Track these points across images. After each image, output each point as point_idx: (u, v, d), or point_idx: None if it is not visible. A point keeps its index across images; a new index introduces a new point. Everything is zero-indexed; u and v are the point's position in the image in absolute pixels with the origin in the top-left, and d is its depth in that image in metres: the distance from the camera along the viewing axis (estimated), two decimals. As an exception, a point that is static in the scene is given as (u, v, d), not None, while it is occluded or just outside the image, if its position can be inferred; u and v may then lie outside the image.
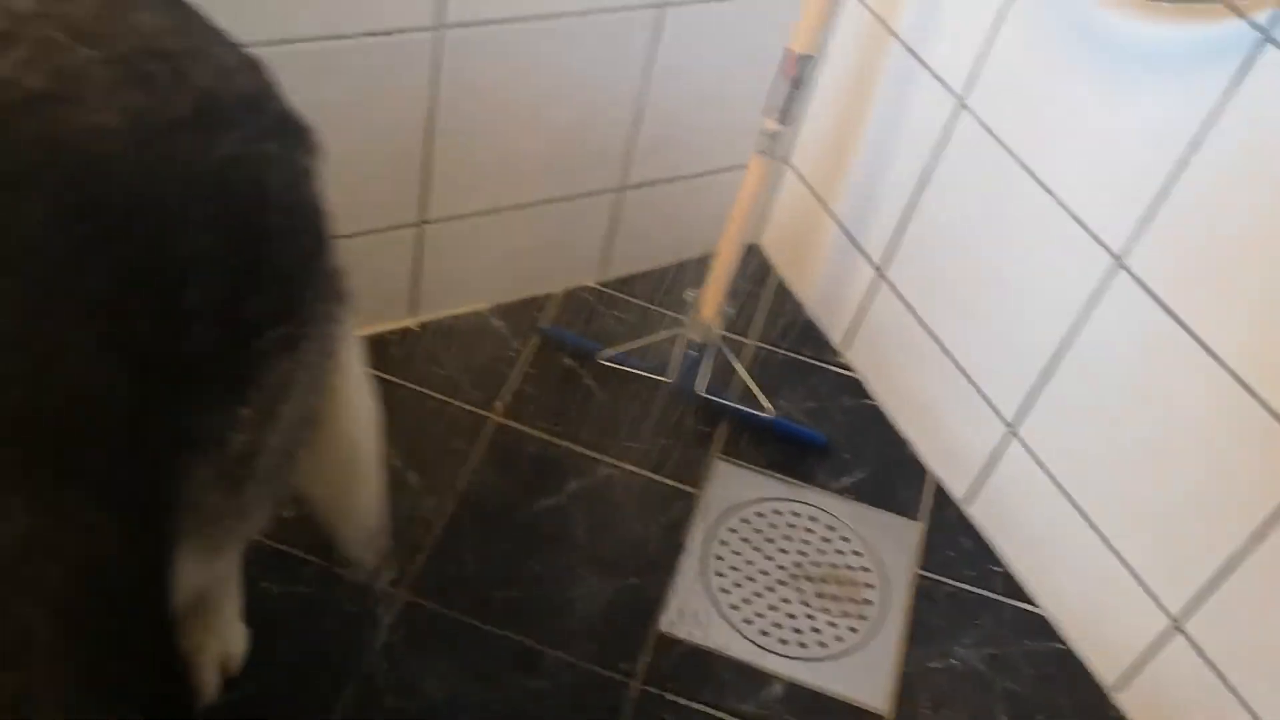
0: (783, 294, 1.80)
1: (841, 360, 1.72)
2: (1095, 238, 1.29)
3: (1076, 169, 1.31)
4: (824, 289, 1.75)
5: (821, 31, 1.30)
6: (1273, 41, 1.08)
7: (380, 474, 1.11)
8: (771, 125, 1.36)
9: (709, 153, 1.66)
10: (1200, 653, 1.29)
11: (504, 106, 1.44)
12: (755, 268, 1.82)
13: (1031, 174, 1.35)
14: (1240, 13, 1.09)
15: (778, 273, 1.82)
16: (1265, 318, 1.15)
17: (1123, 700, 1.40)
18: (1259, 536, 1.19)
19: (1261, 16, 1.09)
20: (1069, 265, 1.33)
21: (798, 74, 1.32)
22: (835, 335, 1.73)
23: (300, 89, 0.88)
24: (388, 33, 1.28)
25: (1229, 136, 1.14)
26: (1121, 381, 1.32)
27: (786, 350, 1.72)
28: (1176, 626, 1.31)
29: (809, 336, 1.75)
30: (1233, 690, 1.26)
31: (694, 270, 1.76)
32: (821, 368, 1.71)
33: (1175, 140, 1.18)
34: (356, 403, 1.03)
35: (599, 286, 1.74)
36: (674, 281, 1.77)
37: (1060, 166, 1.33)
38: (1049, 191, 1.33)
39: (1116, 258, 1.27)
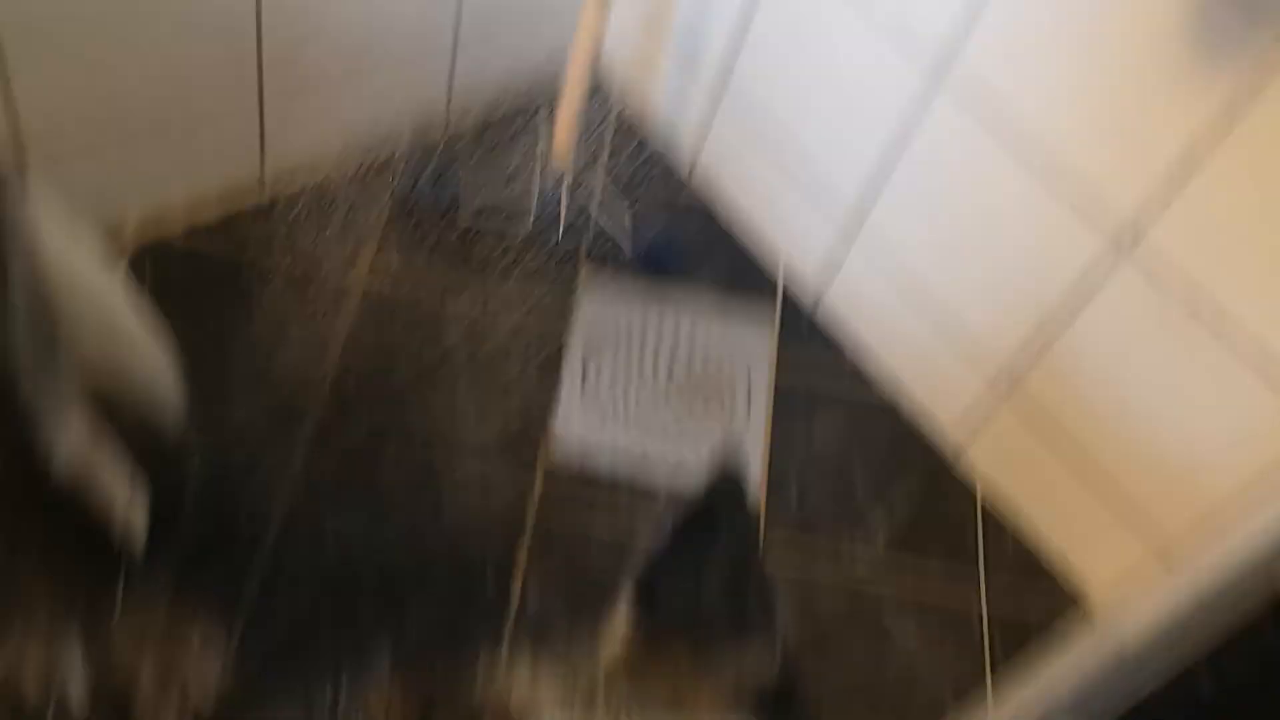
0: (628, 124, 1.84)
1: (690, 182, 1.79)
2: (911, 53, 1.38)
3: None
4: (666, 115, 1.80)
5: None
6: None
7: (142, 337, 1.17)
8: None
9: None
10: (1028, 410, 1.45)
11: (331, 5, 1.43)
12: (599, 100, 1.86)
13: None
14: None
15: (620, 103, 1.85)
16: (1068, 96, 1.26)
17: (968, 460, 1.56)
18: (1072, 310, 1.34)
19: None
20: (889, 77, 1.42)
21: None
22: (682, 160, 1.80)
23: None
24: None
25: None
26: (947, 175, 1.43)
27: (637, 180, 1.78)
28: (1006, 389, 1.46)
29: (657, 163, 1.81)
30: (1050, 447, 1.43)
31: (539, 110, 1.80)
32: (671, 191, 1.78)
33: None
34: (69, 274, 1.06)
35: (448, 137, 1.75)
36: (520, 118, 1.79)
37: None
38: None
39: (936, 68, 1.36)
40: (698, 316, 1.65)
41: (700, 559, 0.85)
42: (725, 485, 0.84)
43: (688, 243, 1.72)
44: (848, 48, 1.45)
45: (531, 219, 1.65)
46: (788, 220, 1.66)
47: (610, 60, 1.84)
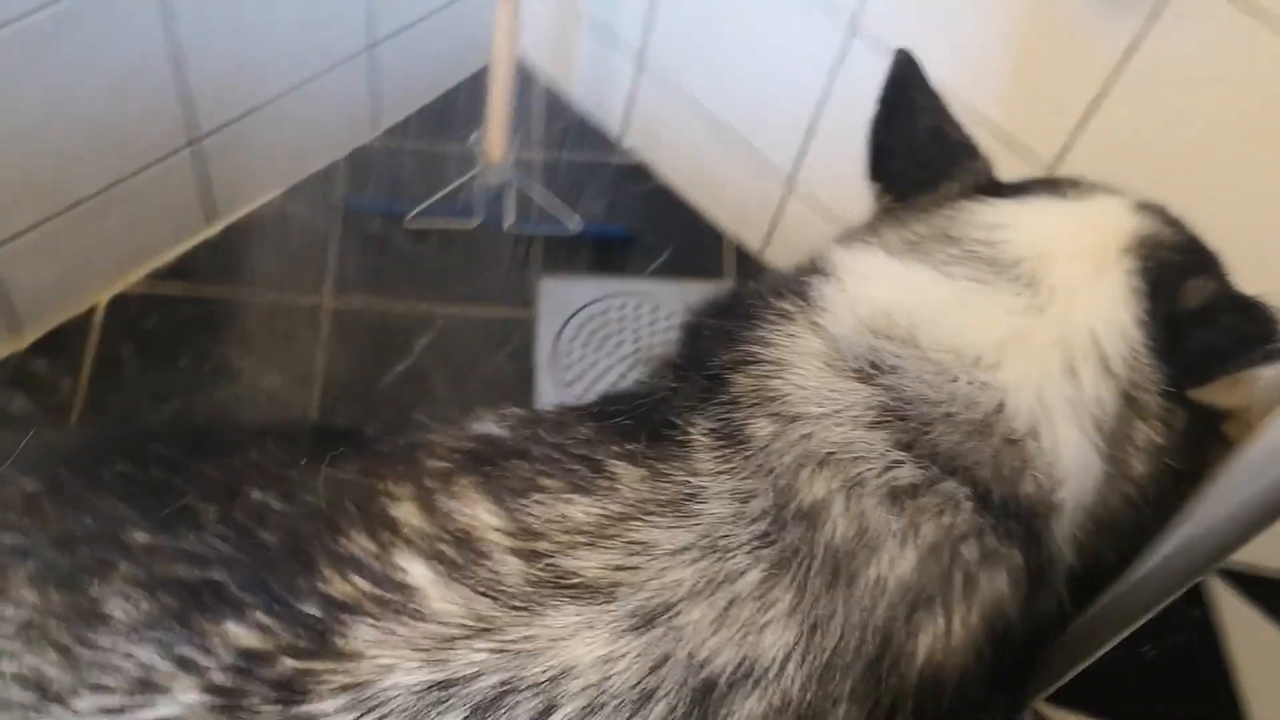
0: (554, 98, 1.86)
1: (623, 149, 1.83)
2: (827, 8, 1.41)
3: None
4: (591, 86, 1.82)
5: None
6: None
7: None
8: (509, -31, 1.41)
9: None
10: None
11: (238, 18, 1.43)
12: (521, 78, 1.87)
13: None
14: None
15: (544, 79, 1.88)
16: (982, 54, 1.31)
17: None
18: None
19: None
20: (805, 37, 1.45)
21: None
22: (612, 127, 1.83)
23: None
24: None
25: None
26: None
27: (571, 154, 1.81)
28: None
29: (588, 134, 1.84)
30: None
31: (464, 93, 1.82)
32: (607, 162, 1.82)
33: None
34: None
35: (379, 140, 1.78)
36: (449, 111, 1.81)
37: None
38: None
39: (849, 27, 1.40)
40: (654, 279, 1.70)
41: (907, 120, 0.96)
42: (906, 66, 0.96)
43: (633, 209, 1.76)
44: (765, 16, 1.49)
45: (477, 211, 1.68)
46: (726, 177, 1.71)
47: (529, 40, 1.85)
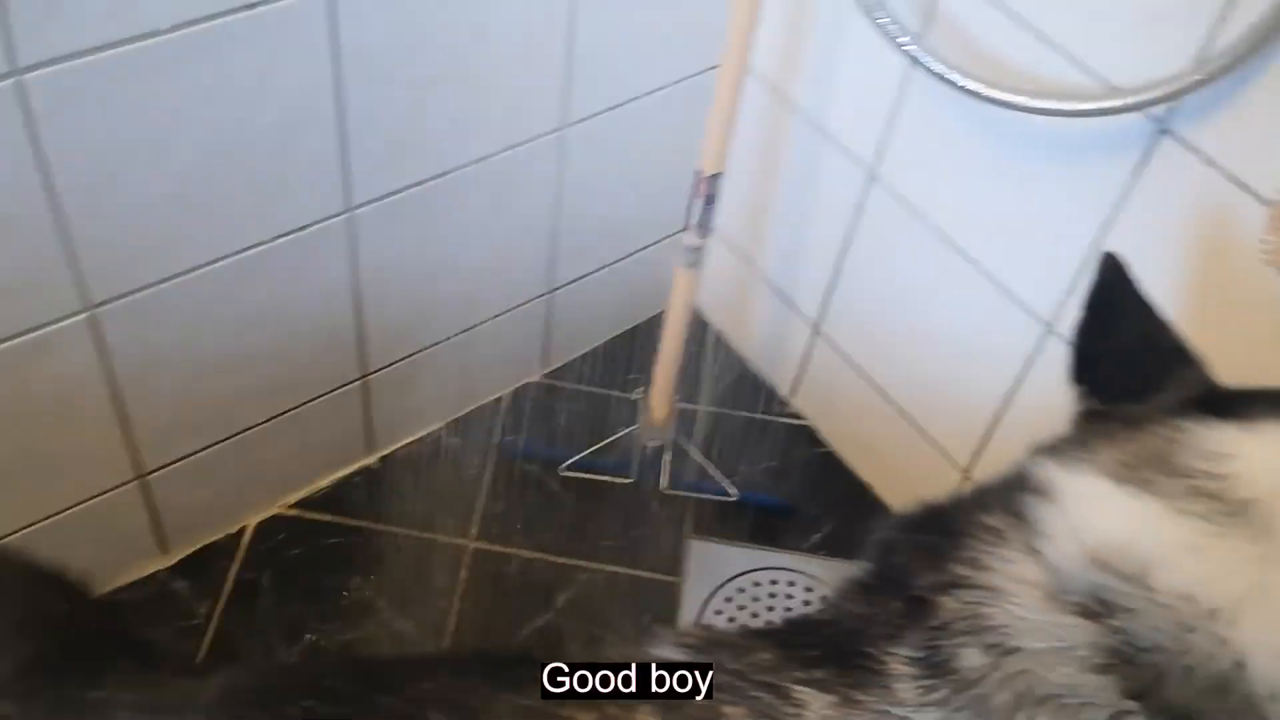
0: (723, 350, 1.83)
1: (791, 410, 1.76)
2: (1023, 306, 1.34)
3: (996, 239, 1.35)
4: (763, 344, 1.78)
5: (727, 148, 1.32)
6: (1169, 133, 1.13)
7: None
8: (694, 240, 1.38)
9: (628, 238, 1.68)
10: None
11: (420, 260, 1.44)
12: (694, 326, 1.84)
13: (951, 243, 1.39)
14: (1136, 108, 1.13)
15: (716, 329, 1.84)
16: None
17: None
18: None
19: (1159, 110, 1.12)
20: (998, 330, 1.38)
21: (710, 192, 1.34)
22: (782, 386, 1.77)
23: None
24: (302, 228, 1.28)
25: (1141, 215, 1.19)
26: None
27: (736, 409, 1.76)
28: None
29: (756, 390, 1.79)
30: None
31: (633, 341, 1.80)
32: (773, 421, 1.76)
33: (1088, 221, 1.22)
34: None
35: (544, 380, 1.76)
36: (616, 356, 1.79)
37: (980, 236, 1.36)
38: (971, 261, 1.37)
39: (1047, 325, 1.32)
40: (811, 556, 1.61)
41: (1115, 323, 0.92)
42: (1113, 270, 0.91)
43: (795, 474, 1.69)
44: (950, 312, 1.43)
45: (633, 467, 1.63)
46: (897, 456, 1.62)
47: (706, 291, 1.83)
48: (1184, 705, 0.69)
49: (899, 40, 1.21)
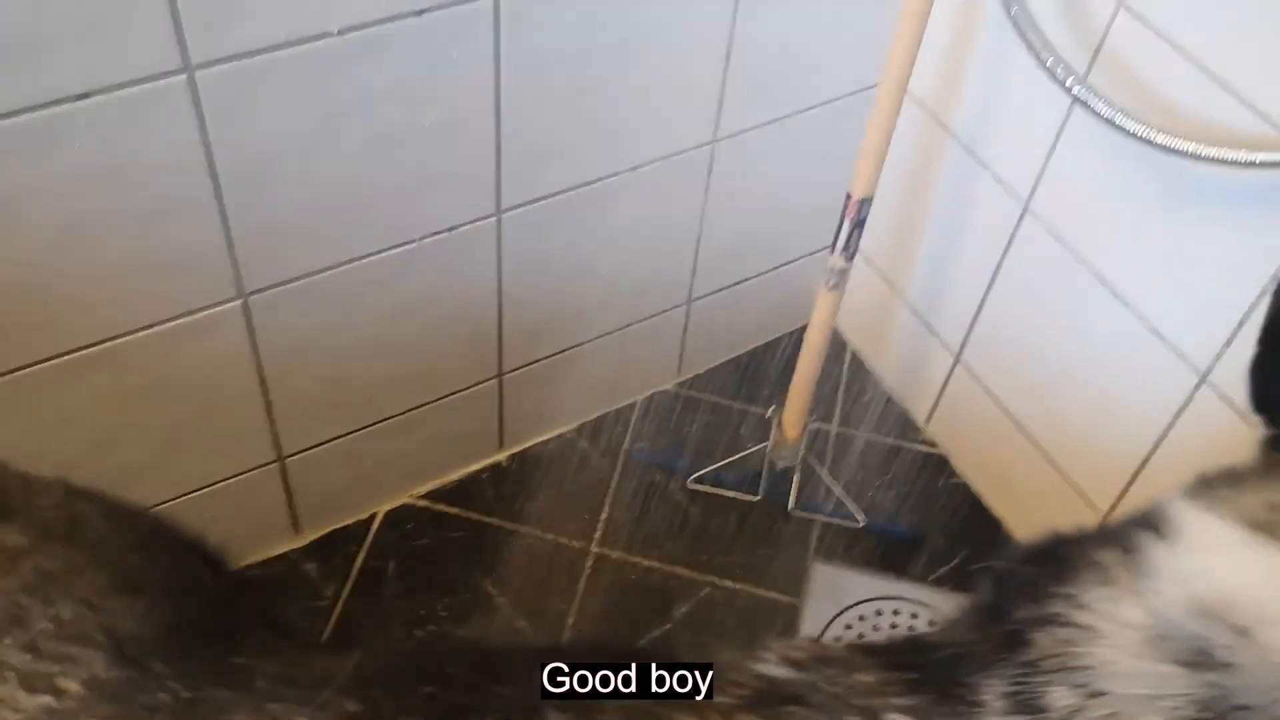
0: (861, 372, 1.80)
1: (926, 438, 1.72)
2: (1178, 353, 1.28)
3: (1154, 283, 1.29)
4: (902, 369, 1.74)
5: (879, 173, 1.29)
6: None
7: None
8: (839, 263, 1.36)
9: (771, 253, 1.66)
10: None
11: (564, 264, 1.45)
12: (832, 346, 1.81)
13: (1105, 283, 1.34)
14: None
15: (854, 349, 1.81)
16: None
17: None
18: None
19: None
20: (1149, 375, 1.32)
21: (859, 215, 1.32)
22: (918, 413, 1.73)
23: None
24: (452, 229, 1.30)
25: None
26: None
27: (870, 433, 1.73)
28: None
29: (891, 415, 1.75)
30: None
31: (770, 355, 1.79)
32: (907, 448, 1.72)
33: (1255, 270, 1.16)
34: None
35: (678, 388, 1.76)
36: (752, 370, 1.78)
37: (1137, 279, 1.31)
38: (1126, 304, 1.32)
39: (1202, 375, 1.26)
40: (937, 589, 1.57)
41: None
42: None
43: (926, 503, 1.65)
44: (1098, 352, 1.38)
45: (762, 483, 1.61)
46: (1032, 494, 1.57)
47: (845, 311, 1.81)
48: None
49: (1066, 82, 1.16)
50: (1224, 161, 1.07)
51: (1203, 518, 0.75)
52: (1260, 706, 0.66)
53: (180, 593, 0.88)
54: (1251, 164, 1.06)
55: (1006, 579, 0.81)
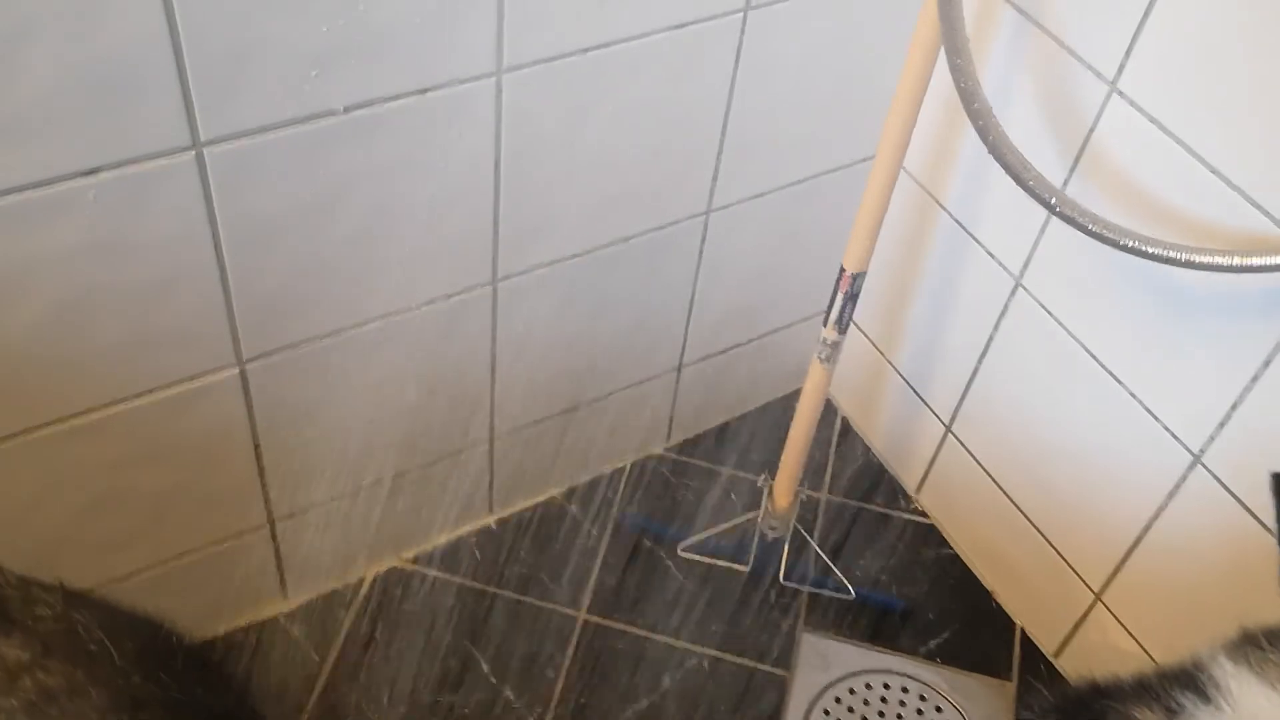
0: (851, 438, 1.80)
1: (916, 507, 1.73)
2: (1171, 433, 1.29)
3: (1146, 364, 1.30)
4: (892, 437, 1.75)
5: (872, 249, 1.31)
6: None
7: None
8: (831, 335, 1.37)
9: (763, 320, 1.67)
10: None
11: (557, 330, 1.46)
12: (824, 412, 1.82)
13: (1098, 361, 1.35)
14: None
15: (844, 416, 1.82)
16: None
17: None
18: None
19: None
20: (1142, 454, 1.33)
21: (852, 289, 1.33)
22: (908, 482, 1.74)
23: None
24: (449, 296, 1.31)
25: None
26: (1204, 566, 1.32)
27: (860, 501, 1.73)
28: None
29: (881, 482, 1.75)
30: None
31: (760, 420, 1.79)
32: (897, 517, 1.72)
33: (1246, 359, 1.17)
34: None
35: (667, 453, 1.76)
36: (742, 435, 1.78)
37: (1130, 359, 1.32)
38: (1119, 382, 1.33)
39: (1195, 455, 1.27)
40: (928, 663, 1.56)
41: None
42: None
43: (916, 574, 1.65)
44: (1090, 428, 1.39)
45: (751, 552, 1.61)
46: (1025, 568, 1.57)
47: (836, 380, 1.81)
48: None
49: (1050, 201, 1.12)
50: (1217, 267, 1.05)
51: (1247, 685, 0.73)
52: None
53: (180, 707, 0.87)
54: (1246, 268, 1.04)
55: None
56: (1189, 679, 0.73)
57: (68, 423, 1.15)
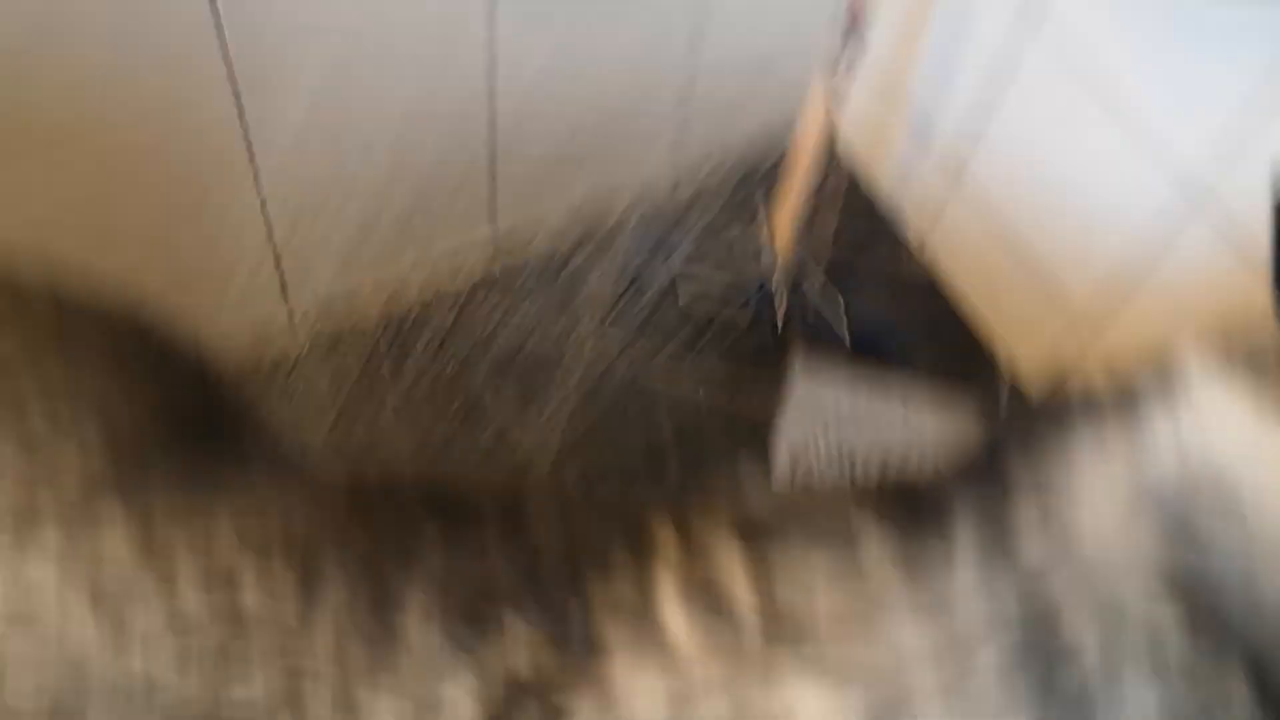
0: (854, 194, 1.78)
1: (919, 258, 1.73)
2: (1173, 176, 1.28)
3: (1152, 103, 1.28)
4: (898, 182, 1.74)
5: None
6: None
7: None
8: (837, 75, 1.34)
9: (768, 65, 1.63)
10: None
11: (561, 85, 1.44)
12: (825, 170, 1.79)
13: (1104, 99, 1.32)
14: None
15: (848, 173, 1.80)
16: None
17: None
18: None
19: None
20: (1146, 197, 1.32)
21: (856, 25, 1.29)
22: (913, 231, 1.73)
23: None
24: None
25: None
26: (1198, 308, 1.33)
27: (862, 252, 1.74)
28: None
29: (886, 233, 1.75)
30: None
31: (764, 175, 1.78)
32: (898, 263, 1.73)
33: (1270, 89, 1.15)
34: None
35: (672, 208, 1.74)
36: (744, 191, 1.77)
37: (1136, 97, 1.29)
38: (1123, 120, 1.31)
39: (1194, 203, 1.26)
40: (919, 400, 1.60)
41: None
42: None
43: (910, 325, 1.67)
44: (1096, 151, 1.37)
45: (750, 297, 1.63)
46: (1024, 315, 1.59)
47: (840, 129, 1.79)
48: (1243, 649, 0.64)
49: None
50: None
51: (1211, 386, 0.71)
52: (1231, 589, 0.65)
53: (173, 407, 0.87)
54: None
55: (1006, 430, 0.80)
56: (1155, 374, 0.71)
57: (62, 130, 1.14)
